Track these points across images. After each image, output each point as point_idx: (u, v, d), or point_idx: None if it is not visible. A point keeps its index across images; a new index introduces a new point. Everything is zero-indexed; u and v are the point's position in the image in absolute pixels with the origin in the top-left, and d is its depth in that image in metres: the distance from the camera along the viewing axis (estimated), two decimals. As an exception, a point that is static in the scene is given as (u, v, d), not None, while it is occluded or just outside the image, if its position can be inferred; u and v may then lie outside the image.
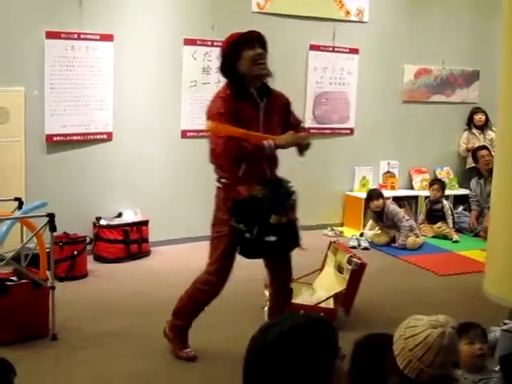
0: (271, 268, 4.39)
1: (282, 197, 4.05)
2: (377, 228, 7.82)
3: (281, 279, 4.41)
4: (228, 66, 4.04)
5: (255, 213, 3.96)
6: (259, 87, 4.06)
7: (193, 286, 4.33)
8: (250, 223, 3.97)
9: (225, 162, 3.96)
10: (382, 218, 7.59)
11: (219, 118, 3.93)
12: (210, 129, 4.05)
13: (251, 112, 4.03)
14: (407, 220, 7.55)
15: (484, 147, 8.30)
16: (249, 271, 5.66)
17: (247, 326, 4.89)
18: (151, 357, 4.45)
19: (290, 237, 4.13)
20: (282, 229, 4.02)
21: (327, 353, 1.71)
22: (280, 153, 4.20)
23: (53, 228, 4.58)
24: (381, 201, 7.54)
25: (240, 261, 4.26)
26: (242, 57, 3.96)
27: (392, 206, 7.63)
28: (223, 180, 4.11)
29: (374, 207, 7.57)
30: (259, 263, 4.39)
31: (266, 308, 5.05)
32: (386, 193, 8.12)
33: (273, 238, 3.99)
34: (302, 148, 4.21)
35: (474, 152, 8.38)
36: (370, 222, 7.95)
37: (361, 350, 2.68)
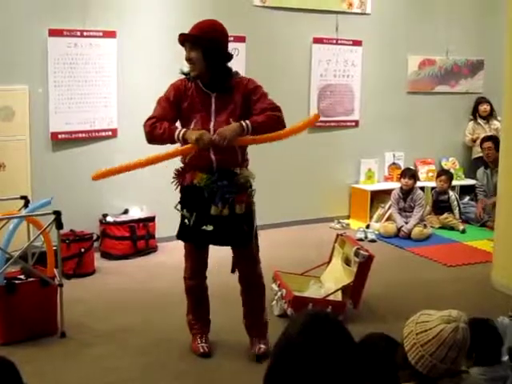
0: (234, 254, 4.33)
1: (223, 189, 4.05)
2: (384, 219, 7.84)
3: (243, 268, 4.33)
4: None
5: (194, 201, 4.13)
6: (208, 81, 4.10)
7: (183, 280, 4.46)
8: (190, 210, 4.15)
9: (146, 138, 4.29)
10: (406, 198, 7.71)
11: (160, 100, 4.20)
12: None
13: (203, 101, 4.10)
14: (422, 209, 7.70)
15: (489, 138, 8.18)
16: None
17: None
18: (161, 351, 4.47)
19: (231, 229, 4.12)
20: (221, 220, 4.07)
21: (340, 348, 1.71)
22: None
23: (59, 226, 4.59)
24: (412, 181, 7.76)
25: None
26: None
27: (420, 191, 7.85)
28: (179, 168, 4.28)
29: (404, 184, 7.74)
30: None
31: (274, 302, 5.06)
32: (392, 185, 8.14)
33: (210, 228, 4.09)
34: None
35: (481, 142, 8.35)
36: (377, 213, 7.97)
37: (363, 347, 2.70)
